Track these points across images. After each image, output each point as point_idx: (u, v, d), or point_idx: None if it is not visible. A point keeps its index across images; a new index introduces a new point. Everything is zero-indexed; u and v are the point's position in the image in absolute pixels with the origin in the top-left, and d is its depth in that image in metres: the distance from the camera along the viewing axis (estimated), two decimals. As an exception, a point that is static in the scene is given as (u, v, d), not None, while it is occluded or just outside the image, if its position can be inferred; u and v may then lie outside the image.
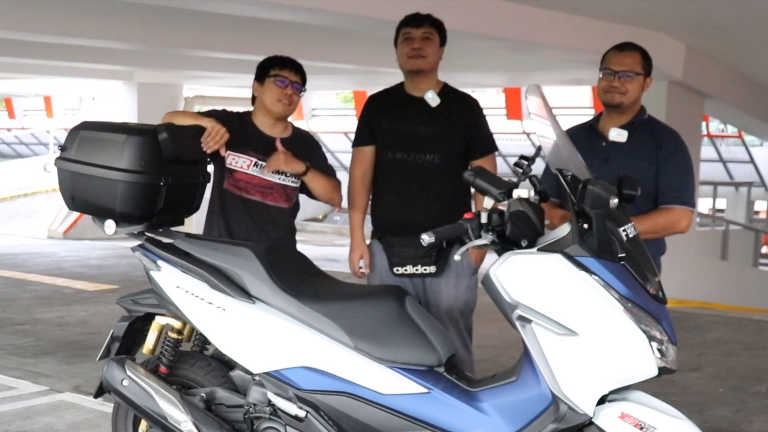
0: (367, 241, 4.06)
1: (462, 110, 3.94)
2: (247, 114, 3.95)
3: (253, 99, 3.95)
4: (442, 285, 3.87)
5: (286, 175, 3.87)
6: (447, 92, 3.96)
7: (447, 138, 3.89)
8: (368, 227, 4.08)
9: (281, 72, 3.83)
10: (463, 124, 3.91)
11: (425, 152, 3.88)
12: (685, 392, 5.49)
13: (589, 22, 8.78)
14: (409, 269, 3.87)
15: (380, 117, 3.99)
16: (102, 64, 13.76)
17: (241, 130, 3.81)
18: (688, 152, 3.66)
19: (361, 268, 4.02)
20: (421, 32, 3.89)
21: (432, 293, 3.88)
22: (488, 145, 4.00)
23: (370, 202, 4.10)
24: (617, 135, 3.52)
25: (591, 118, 3.86)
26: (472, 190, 3.96)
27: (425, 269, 3.85)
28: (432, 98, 3.82)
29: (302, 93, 3.91)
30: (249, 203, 3.84)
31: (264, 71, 3.87)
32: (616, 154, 3.58)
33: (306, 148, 3.96)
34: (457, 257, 3.00)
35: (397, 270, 3.89)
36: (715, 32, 9.44)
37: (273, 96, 3.83)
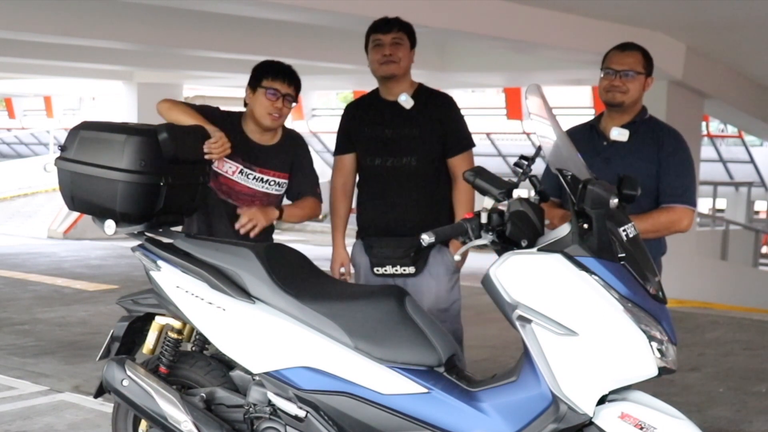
0: (352, 241, 4.09)
1: (437, 109, 3.96)
2: (238, 117, 3.91)
3: (246, 102, 3.93)
4: (423, 285, 3.89)
5: (270, 184, 3.86)
6: (421, 93, 3.97)
7: (423, 139, 3.91)
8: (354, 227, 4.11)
9: (273, 84, 3.78)
10: (438, 124, 3.93)
11: (402, 155, 3.91)
12: (685, 392, 5.49)
13: (589, 22, 8.79)
14: (389, 269, 3.91)
15: (357, 124, 4.03)
16: (102, 64, 13.75)
17: (231, 134, 3.77)
18: (689, 151, 3.67)
19: (342, 274, 4.07)
20: (391, 38, 3.90)
21: (412, 294, 3.87)
22: (464, 143, 4.00)
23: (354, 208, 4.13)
24: (618, 134, 3.52)
25: (593, 117, 3.87)
26: (454, 191, 3.99)
27: (404, 270, 3.89)
28: (405, 101, 3.84)
29: (294, 105, 3.87)
30: (231, 209, 3.82)
31: (257, 79, 3.82)
32: (617, 153, 3.58)
33: (293, 152, 3.94)
34: (457, 257, 3.02)
35: (378, 270, 3.93)
36: (715, 32, 9.44)
37: (263, 108, 3.79)
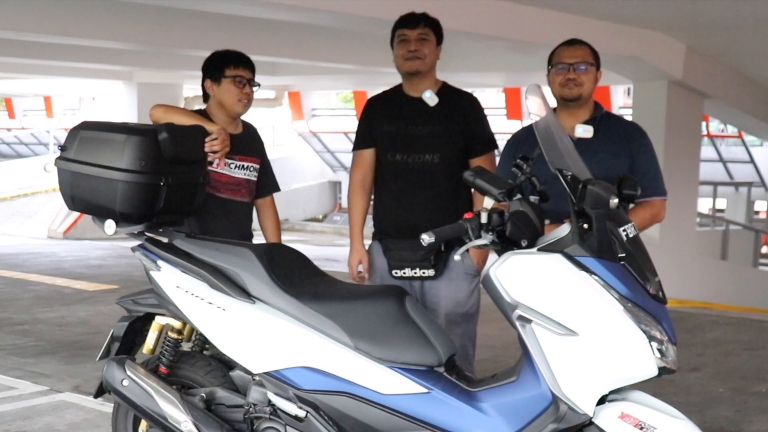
0: (368, 242, 4.04)
1: (461, 109, 3.91)
2: (205, 113, 3.92)
3: (205, 96, 3.94)
4: (442, 288, 3.84)
5: (250, 170, 3.92)
6: (446, 91, 3.94)
7: (446, 137, 3.86)
8: (370, 228, 4.07)
9: (237, 71, 3.84)
10: (462, 123, 3.88)
11: (425, 152, 3.85)
12: (685, 392, 5.49)
13: (589, 22, 8.78)
14: (408, 272, 3.84)
15: (379, 119, 3.97)
16: (102, 64, 13.76)
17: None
18: (651, 141, 3.70)
19: (360, 272, 3.99)
20: (417, 33, 3.86)
21: (431, 297, 3.85)
22: (487, 144, 3.96)
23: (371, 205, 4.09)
24: (583, 131, 3.52)
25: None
26: (473, 189, 3.96)
27: (424, 272, 3.83)
28: (430, 98, 3.80)
29: (256, 89, 3.93)
30: (219, 201, 3.84)
31: (219, 70, 3.86)
32: (586, 151, 3.55)
33: (258, 140, 4.06)
34: (457, 257, 2.98)
35: (396, 273, 3.86)
36: (715, 32, 9.44)
37: (233, 96, 3.83)
